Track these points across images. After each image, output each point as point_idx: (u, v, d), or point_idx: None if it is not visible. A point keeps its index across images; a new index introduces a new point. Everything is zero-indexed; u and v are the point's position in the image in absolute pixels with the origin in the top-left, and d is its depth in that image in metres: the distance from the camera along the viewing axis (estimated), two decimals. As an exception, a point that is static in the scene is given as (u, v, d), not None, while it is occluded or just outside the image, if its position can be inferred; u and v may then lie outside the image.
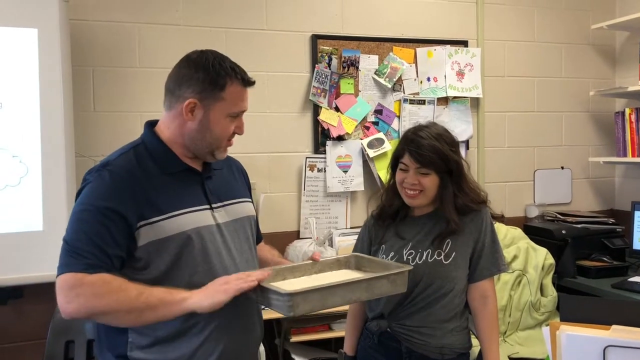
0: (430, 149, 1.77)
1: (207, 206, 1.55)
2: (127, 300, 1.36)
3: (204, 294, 1.39)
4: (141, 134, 1.60)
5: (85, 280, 1.36)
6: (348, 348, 1.99)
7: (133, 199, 1.44)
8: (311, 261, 1.71)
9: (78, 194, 1.50)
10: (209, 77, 1.48)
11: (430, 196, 1.81)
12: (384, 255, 1.86)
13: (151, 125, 1.59)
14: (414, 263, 1.80)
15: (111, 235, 1.40)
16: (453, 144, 1.84)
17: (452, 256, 1.80)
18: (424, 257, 1.80)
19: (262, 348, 1.74)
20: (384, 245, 1.88)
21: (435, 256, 1.80)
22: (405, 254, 1.83)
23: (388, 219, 1.91)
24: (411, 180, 1.79)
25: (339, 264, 1.77)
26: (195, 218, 1.50)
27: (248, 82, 1.55)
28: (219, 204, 1.58)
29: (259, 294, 1.45)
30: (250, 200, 1.74)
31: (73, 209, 1.47)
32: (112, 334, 1.49)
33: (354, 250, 1.98)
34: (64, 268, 1.38)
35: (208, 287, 1.41)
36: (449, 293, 1.79)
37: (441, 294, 1.79)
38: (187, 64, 1.52)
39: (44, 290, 2.65)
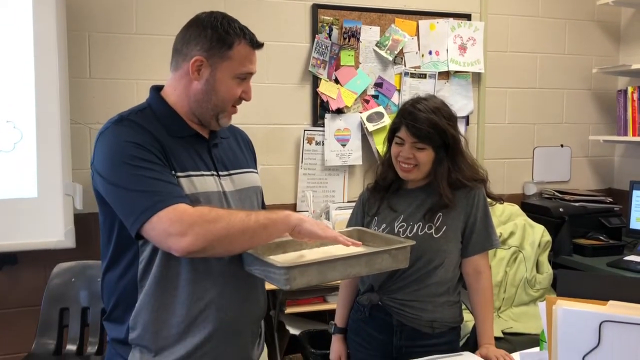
0: (427, 123, 1.74)
1: (214, 172, 1.52)
2: (239, 222, 1.35)
3: (307, 220, 1.43)
4: (146, 98, 1.55)
5: (190, 210, 1.31)
6: (339, 320, 1.99)
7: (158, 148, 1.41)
8: None
9: (93, 158, 1.43)
10: (217, 35, 1.45)
11: (424, 171, 1.79)
12: (376, 228, 1.85)
13: (157, 90, 1.55)
14: (404, 236, 1.78)
15: (165, 174, 1.38)
16: (451, 118, 1.81)
17: (443, 230, 1.78)
18: (414, 230, 1.79)
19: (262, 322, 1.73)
20: (376, 218, 1.87)
21: (426, 229, 1.78)
22: (397, 226, 1.81)
23: (382, 191, 1.89)
24: (406, 154, 1.77)
25: None
26: (204, 182, 1.48)
27: (257, 44, 1.51)
28: (225, 172, 1.55)
29: (257, 266, 1.44)
30: (256, 171, 1.71)
31: (109, 166, 1.37)
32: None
33: (349, 223, 1.97)
34: (151, 210, 1.30)
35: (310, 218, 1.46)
36: (440, 267, 1.78)
37: (432, 268, 1.78)
38: (195, 23, 1.49)
39: (38, 257, 2.66)
